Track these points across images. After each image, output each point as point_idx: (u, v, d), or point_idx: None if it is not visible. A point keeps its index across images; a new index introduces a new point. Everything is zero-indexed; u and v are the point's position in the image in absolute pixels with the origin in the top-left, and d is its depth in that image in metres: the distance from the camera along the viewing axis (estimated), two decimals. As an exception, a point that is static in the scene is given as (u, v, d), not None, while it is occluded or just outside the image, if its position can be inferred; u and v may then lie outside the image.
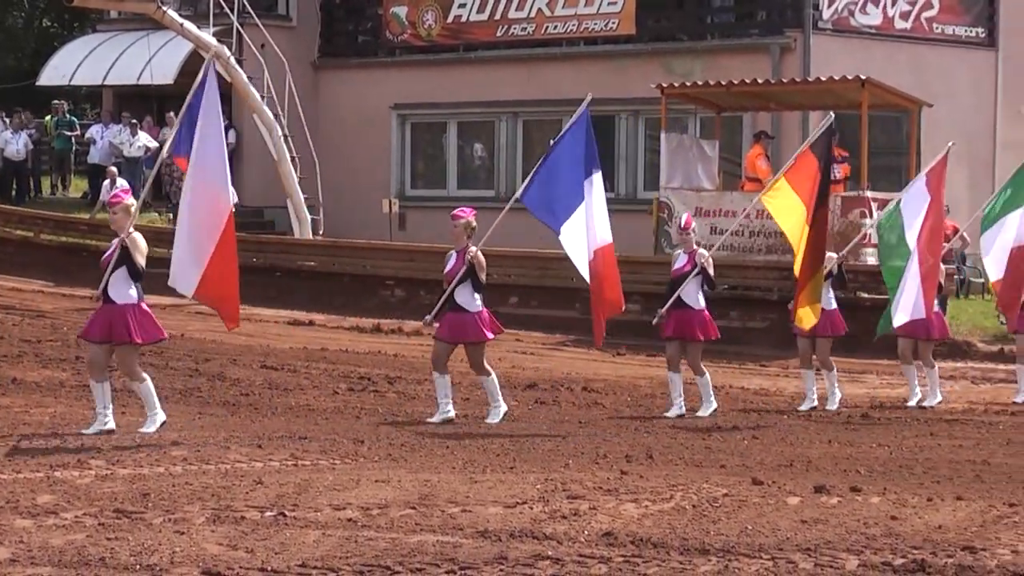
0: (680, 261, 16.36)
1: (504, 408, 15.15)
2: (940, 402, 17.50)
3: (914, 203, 16.99)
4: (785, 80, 25.92)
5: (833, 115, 16.68)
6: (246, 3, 30.92)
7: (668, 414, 15.98)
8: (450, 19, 31.61)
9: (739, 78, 25.01)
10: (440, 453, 12.87)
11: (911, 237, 16.78)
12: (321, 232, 29.22)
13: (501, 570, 8.64)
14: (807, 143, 16.35)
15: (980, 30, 29.91)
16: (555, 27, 30.46)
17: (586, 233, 14.69)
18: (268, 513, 9.93)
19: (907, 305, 16.57)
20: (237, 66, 28.66)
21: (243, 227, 29.32)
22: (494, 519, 9.91)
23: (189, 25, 27.92)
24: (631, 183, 30.10)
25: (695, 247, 16.41)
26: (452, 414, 14.95)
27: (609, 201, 30.36)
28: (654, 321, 16.29)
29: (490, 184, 31.88)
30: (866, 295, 22.22)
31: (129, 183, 29.73)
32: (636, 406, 16.85)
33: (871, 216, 22.59)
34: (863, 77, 23.57)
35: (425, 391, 17.28)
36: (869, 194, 23.16)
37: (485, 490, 10.88)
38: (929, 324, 17.21)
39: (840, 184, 24.79)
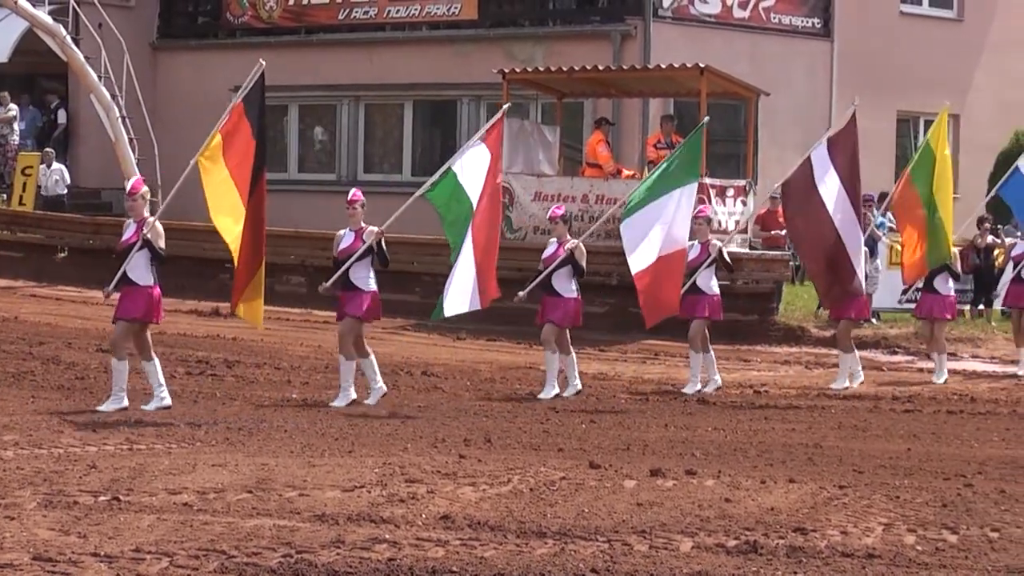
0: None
1: (556, 389, 16.44)
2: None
3: (473, 168, 15.24)
4: (626, 67, 26.07)
5: (263, 63, 14.83)
6: (83, -18, 30.47)
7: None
8: (291, 1, 31.39)
9: (580, 64, 25.12)
10: (278, 437, 12.82)
11: (474, 202, 15.15)
12: (159, 214, 28.84)
13: (338, 554, 8.62)
14: (240, 95, 14.63)
15: (816, 21, 30.35)
16: (397, 11, 30.38)
17: None
18: (102, 498, 9.81)
19: (464, 292, 15.24)
20: (73, 46, 28.21)
21: (79, 209, 29.02)
22: (331, 503, 9.89)
23: (24, 3, 27.41)
24: (472, 168, 30.12)
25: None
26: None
27: (450, 186, 30.23)
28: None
29: (331, 168, 31.74)
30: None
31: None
32: (475, 390, 16.88)
33: (710, 202, 22.83)
34: (702, 65, 23.80)
35: (264, 375, 17.19)
36: (707, 181, 23.39)
37: (323, 474, 10.85)
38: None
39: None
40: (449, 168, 15.31)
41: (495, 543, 8.99)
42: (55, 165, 29.23)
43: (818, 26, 30.37)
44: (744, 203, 24.05)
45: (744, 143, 25.83)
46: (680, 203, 16.50)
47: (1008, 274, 20.10)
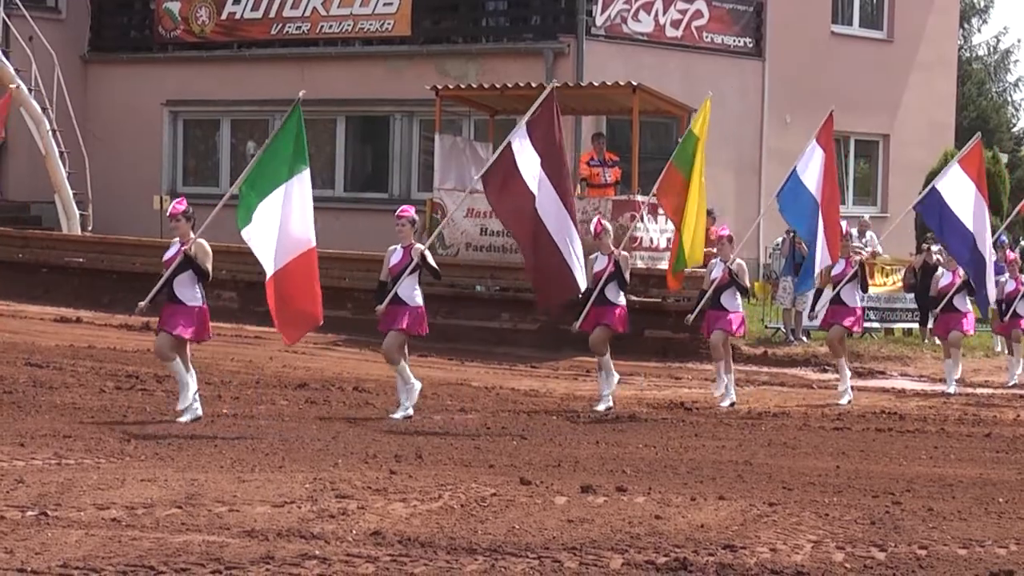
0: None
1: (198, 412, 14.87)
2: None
3: None
4: (558, 84, 26.11)
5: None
6: (13, -7, 30.28)
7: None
8: (224, 16, 31.30)
9: (513, 81, 25.18)
10: (208, 452, 12.76)
11: None
12: (90, 228, 28.73)
13: (267, 570, 8.58)
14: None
15: (748, 40, 30.57)
16: (330, 27, 30.35)
17: None
18: (29, 513, 9.73)
19: None
20: (3, 58, 28.03)
21: (8, 222, 28.81)
22: (261, 518, 9.85)
23: (-47, 15, 27.26)
24: (405, 183, 30.14)
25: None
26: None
27: (383, 201, 30.40)
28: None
29: (263, 182, 31.60)
30: (635, 298, 22.53)
31: None
32: (407, 406, 16.85)
33: (643, 220, 22.91)
34: (634, 83, 23.90)
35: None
36: (640, 198, 23.46)
37: (253, 489, 10.80)
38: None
39: (611, 188, 25.12)
40: None
41: (425, 559, 8.98)
42: (-17, 178, 29.07)
43: (750, 45, 30.59)
44: (676, 221, 24.08)
45: (676, 161, 25.89)
46: (293, 197, 14.65)
47: (827, 294, 19.08)
